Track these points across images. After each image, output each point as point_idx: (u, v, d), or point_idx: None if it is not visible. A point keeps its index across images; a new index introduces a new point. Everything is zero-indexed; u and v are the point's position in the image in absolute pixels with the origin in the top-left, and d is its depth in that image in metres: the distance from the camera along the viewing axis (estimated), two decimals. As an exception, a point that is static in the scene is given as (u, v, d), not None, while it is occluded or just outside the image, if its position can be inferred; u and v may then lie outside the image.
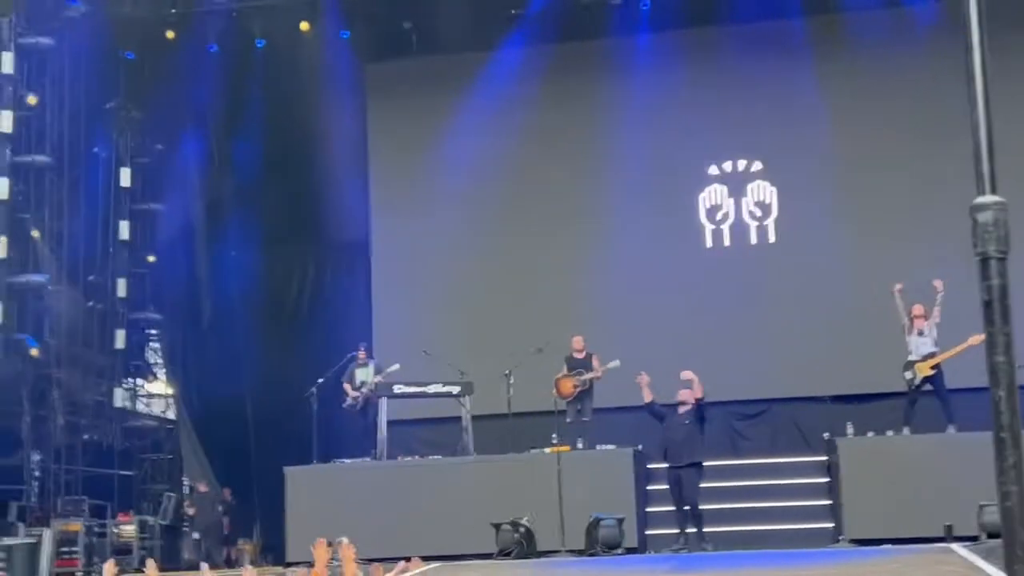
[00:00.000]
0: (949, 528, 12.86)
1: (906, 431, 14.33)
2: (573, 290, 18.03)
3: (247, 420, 19.59)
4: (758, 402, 17.58)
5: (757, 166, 18.07)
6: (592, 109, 18.56)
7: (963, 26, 3.31)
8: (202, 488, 18.95)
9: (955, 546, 12.09)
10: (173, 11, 18.47)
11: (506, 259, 18.59)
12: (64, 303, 17.89)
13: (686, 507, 14.01)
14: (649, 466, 15.48)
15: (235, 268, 19.93)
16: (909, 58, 17.31)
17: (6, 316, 16.53)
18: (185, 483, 20.00)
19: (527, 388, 15.37)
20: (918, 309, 14.42)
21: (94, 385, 18.84)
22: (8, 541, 15.38)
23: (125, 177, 19.47)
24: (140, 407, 20.61)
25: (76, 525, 16.29)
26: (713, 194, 18.15)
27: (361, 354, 16.54)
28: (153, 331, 20.84)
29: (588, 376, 15.38)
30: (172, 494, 19.01)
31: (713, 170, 18.16)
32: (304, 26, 18.45)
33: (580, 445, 15.07)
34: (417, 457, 16.09)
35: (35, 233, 17.45)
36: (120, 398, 19.36)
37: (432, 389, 15.98)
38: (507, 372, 15.32)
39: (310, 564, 6.78)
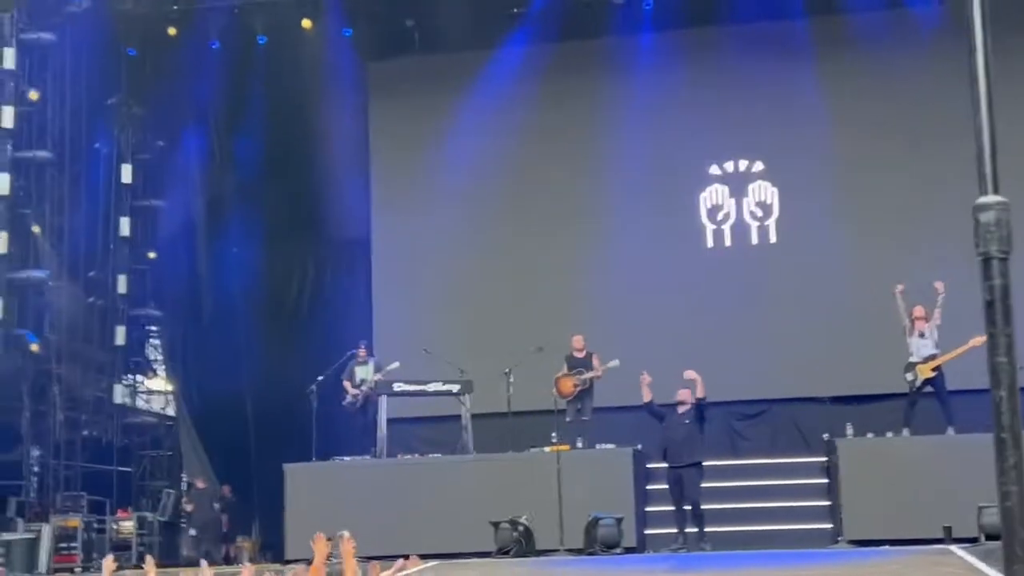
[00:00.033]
0: (948, 530, 12.86)
1: (906, 432, 14.33)
2: (573, 289, 18.03)
3: (247, 417, 19.59)
4: (758, 402, 17.58)
5: (758, 166, 18.07)
6: (593, 108, 18.55)
7: (966, 28, 3.31)
8: (200, 484, 18.94)
9: (954, 547, 12.11)
10: (175, 7, 18.47)
11: (507, 258, 18.59)
12: (64, 299, 17.90)
13: (688, 507, 14.01)
14: (648, 466, 15.48)
15: (236, 265, 19.92)
16: (910, 59, 17.30)
17: (6, 312, 16.54)
18: (184, 480, 20.01)
19: (527, 387, 15.37)
20: (919, 311, 14.42)
21: (94, 381, 18.85)
22: (7, 536, 15.40)
23: (126, 173, 19.46)
24: (140, 403, 20.63)
25: (75, 521, 16.30)
26: (714, 194, 18.15)
27: (361, 352, 16.54)
28: (153, 327, 20.84)
29: (588, 375, 15.38)
30: (171, 491, 19.03)
31: (714, 170, 18.16)
32: (306, 23, 18.44)
33: (580, 444, 15.06)
34: (417, 455, 16.09)
35: (36, 229, 17.45)
36: (120, 394, 19.37)
37: (432, 387, 15.98)
38: (507, 371, 15.32)
39: (309, 561, 6.77)
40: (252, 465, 19.35)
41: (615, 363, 15.16)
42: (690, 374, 14.08)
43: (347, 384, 16.26)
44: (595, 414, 15.54)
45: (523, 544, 13.69)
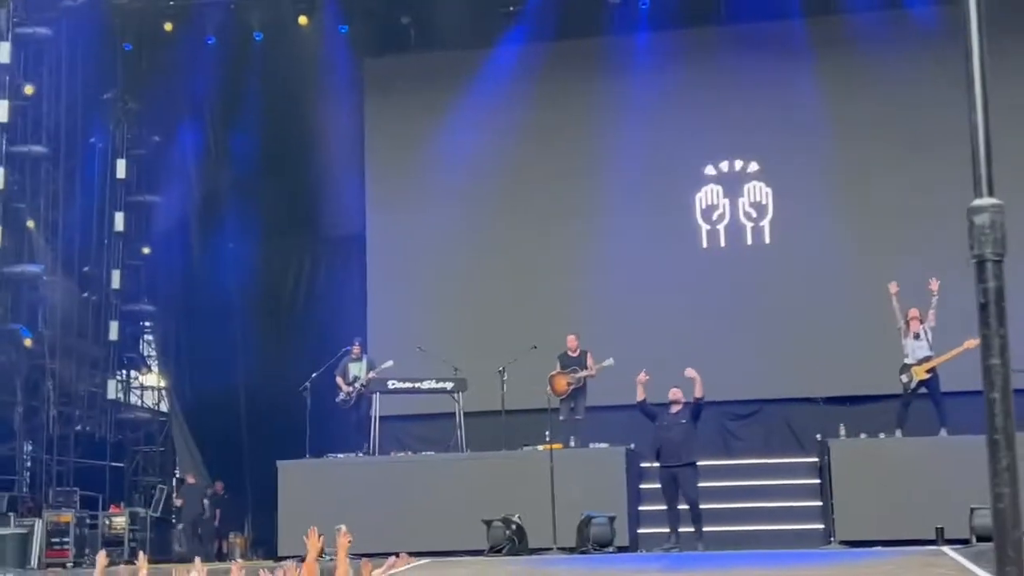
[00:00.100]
0: (940, 531, 12.88)
1: (898, 433, 14.35)
2: (568, 288, 18.02)
3: (240, 413, 19.59)
4: (751, 402, 17.60)
5: (753, 167, 18.07)
6: (589, 107, 18.56)
7: (963, 29, 3.32)
8: (190, 480, 18.95)
9: (946, 549, 12.13)
10: (171, 3, 18.45)
11: (501, 256, 18.58)
12: (58, 294, 17.89)
13: (685, 506, 14.00)
14: (642, 465, 15.49)
15: (230, 261, 19.90)
16: (907, 60, 17.33)
17: (0, 306, 16.52)
18: (177, 475, 20.00)
19: (520, 385, 15.38)
20: (914, 312, 14.43)
21: (87, 376, 18.84)
22: (-1, 531, 15.38)
23: (121, 168, 19.45)
24: (133, 399, 20.62)
25: (67, 516, 16.29)
26: (709, 194, 18.15)
27: (355, 349, 16.52)
28: (147, 323, 20.84)
29: (583, 374, 15.38)
30: (164, 486, 19.02)
31: (709, 170, 18.16)
32: (302, 20, 18.44)
33: (573, 443, 15.06)
34: (409, 453, 16.11)
35: (30, 223, 17.44)
36: (113, 390, 19.35)
37: (426, 385, 16.00)
38: (501, 369, 15.33)
39: (301, 558, 6.77)
40: (245, 461, 19.34)
41: (609, 362, 15.17)
42: (690, 372, 14.07)
43: (340, 381, 16.25)
44: (588, 413, 15.54)
45: (515, 542, 13.69)
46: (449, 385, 15.90)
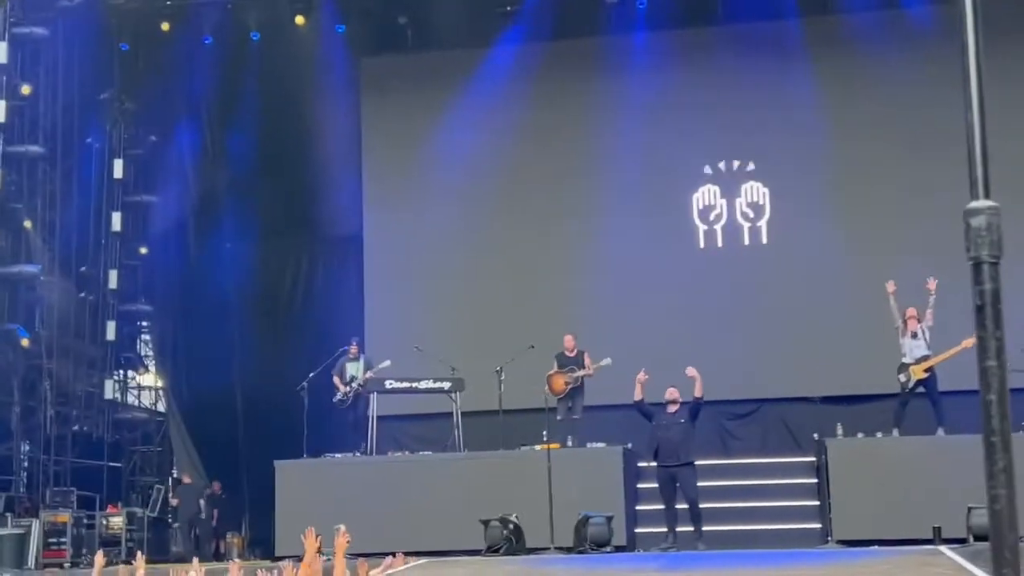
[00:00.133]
0: (937, 530, 12.89)
1: (895, 433, 14.35)
2: (565, 288, 18.03)
3: (237, 413, 19.59)
4: (748, 402, 17.61)
5: (750, 167, 18.08)
6: (586, 107, 18.56)
7: (958, 29, 3.32)
8: (186, 480, 18.95)
9: (943, 548, 12.13)
10: (168, 2, 18.44)
11: (498, 256, 18.58)
12: (56, 294, 17.88)
13: (684, 506, 13.99)
14: (639, 464, 15.49)
15: (227, 261, 19.90)
16: (905, 61, 17.33)
17: (-3, 306, 16.54)
18: (174, 475, 19.99)
19: (518, 385, 15.39)
20: (912, 311, 14.43)
21: (85, 376, 18.83)
22: (-4, 531, 15.37)
23: (118, 168, 19.44)
24: (130, 399, 20.61)
25: (64, 516, 16.28)
26: (706, 194, 18.16)
27: (353, 348, 16.52)
28: (144, 323, 20.83)
29: (580, 373, 15.39)
30: (161, 486, 19.01)
31: (707, 170, 18.16)
32: (299, 20, 18.43)
33: (570, 443, 15.07)
34: (407, 453, 16.11)
35: (27, 223, 17.43)
36: (110, 390, 19.35)
37: (423, 385, 16.00)
38: (498, 369, 15.33)
39: (299, 558, 6.77)
40: (242, 461, 19.34)
41: (607, 361, 15.18)
42: (691, 372, 14.06)
43: (337, 380, 16.24)
44: (585, 412, 15.55)
45: (513, 542, 13.69)
46: (446, 385, 15.90)
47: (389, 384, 15.93)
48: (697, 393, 14.06)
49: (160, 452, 20.12)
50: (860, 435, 14.59)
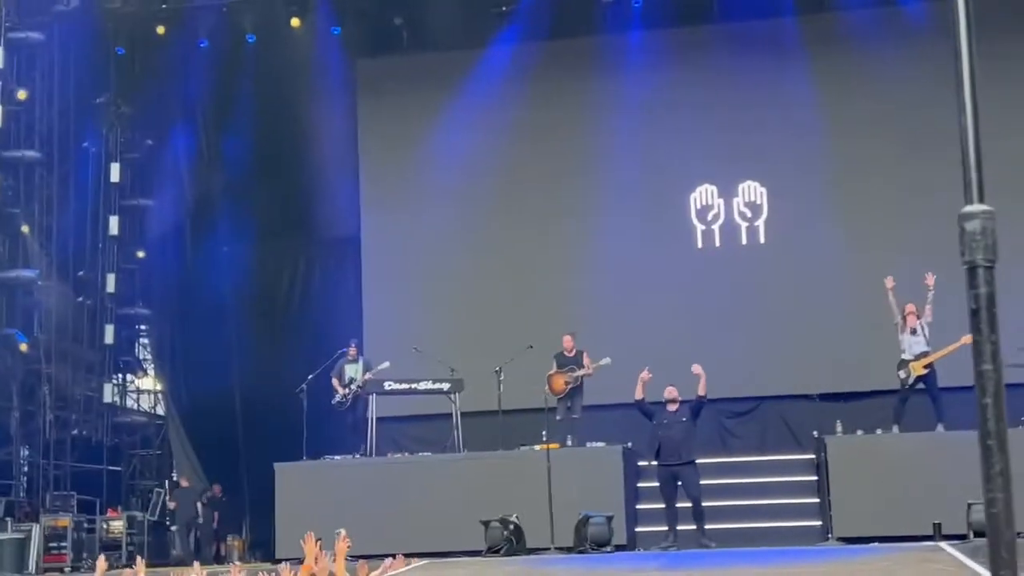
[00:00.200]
0: (937, 526, 12.89)
1: (895, 429, 14.35)
2: (563, 288, 18.03)
3: (237, 416, 19.58)
4: (748, 400, 17.61)
5: (748, 166, 18.06)
6: (583, 107, 18.56)
7: (952, 32, 3.33)
8: (184, 483, 18.96)
9: (943, 544, 12.14)
10: (163, 6, 18.43)
11: (496, 257, 18.59)
12: (54, 298, 17.89)
13: (686, 504, 13.99)
14: (639, 463, 15.50)
15: (225, 264, 19.90)
16: (902, 59, 17.32)
17: (-5, 311, 16.54)
18: (173, 478, 20.00)
19: (517, 385, 15.39)
20: (911, 307, 14.42)
21: (83, 380, 18.83)
22: (-3, 536, 15.37)
23: (115, 172, 19.45)
24: (129, 403, 20.61)
25: (64, 520, 16.28)
26: (704, 194, 18.16)
27: (351, 350, 16.53)
28: (142, 327, 20.83)
29: (580, 373, 15.39)
30: (161, 490, 19.02)
31: (704, 170, 18.14)
32: (295, 22, 18.43)
33: (570, 442, 15.07)
34: (406, 454, 16.10)
35: (24, 228, 17.43)
36: (109, 394, 19.35)
37: (422, 386, 15.99)
38: (497, 369, 15.33)
39: (299, 560, 6.78)
40: (242, 464, 19.35)
41: (607, 361, 15.18)
42: (696, 369, 14.01)
43: (335, 381, 16.25)
44: (585, 412, 15.56)
45: (513, 542, 13.69)
46: (446, 386, 15.90)
47: (388, 385, 15.93)
48: (701, 391, 14.05)
49: (159, 455, 20.13)
50: (860, 432, 14.60)
